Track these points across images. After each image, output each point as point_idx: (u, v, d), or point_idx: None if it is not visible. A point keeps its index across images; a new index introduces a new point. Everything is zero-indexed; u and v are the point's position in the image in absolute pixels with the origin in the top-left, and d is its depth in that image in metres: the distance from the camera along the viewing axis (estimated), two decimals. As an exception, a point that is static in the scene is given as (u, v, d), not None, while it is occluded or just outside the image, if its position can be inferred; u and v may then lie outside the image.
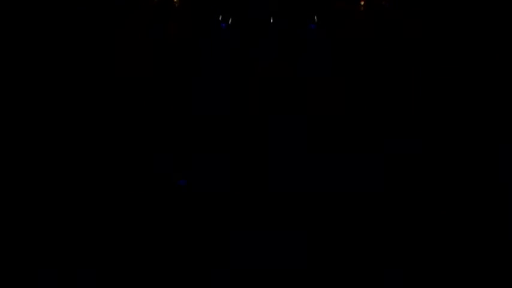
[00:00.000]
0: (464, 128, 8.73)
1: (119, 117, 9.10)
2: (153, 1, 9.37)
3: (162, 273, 6.16)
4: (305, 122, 9.56)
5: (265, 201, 7.62)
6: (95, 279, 5.93)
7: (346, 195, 7.71)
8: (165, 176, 8.28)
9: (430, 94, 9.24)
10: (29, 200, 7.00)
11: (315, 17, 9.49)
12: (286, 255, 6.51)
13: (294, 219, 7.12)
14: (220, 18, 9.45)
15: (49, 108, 8.87)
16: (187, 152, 8.27)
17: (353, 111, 9.75)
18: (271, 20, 9.43)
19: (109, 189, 7.50)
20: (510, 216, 6.82)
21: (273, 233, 6.85)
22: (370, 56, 9.52)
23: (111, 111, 9.18)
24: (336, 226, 6.80)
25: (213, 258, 6.45)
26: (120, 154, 9.17)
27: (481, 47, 9.14)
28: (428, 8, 9.12)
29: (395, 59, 9.64)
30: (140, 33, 9.30)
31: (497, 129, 8.39)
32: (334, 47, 9.55)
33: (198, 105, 9.26)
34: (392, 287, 6.30)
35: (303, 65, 9.95)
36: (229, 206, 7.37)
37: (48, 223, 6.70)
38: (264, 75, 9.67)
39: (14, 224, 6.57)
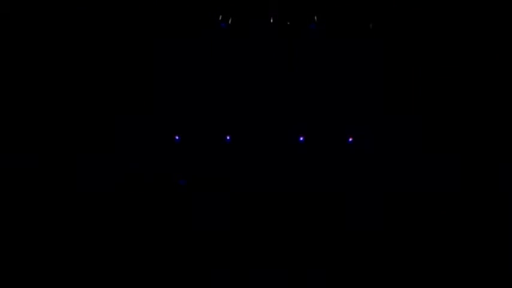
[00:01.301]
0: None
1: (120, 116, 9.15)
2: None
3: (161, 273, 6.16)
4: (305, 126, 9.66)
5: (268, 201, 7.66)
6: (95, 279, 5.93)
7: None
8: (165, 176, 8.31)
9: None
10: (28, 200, 7.00)
11: (315, 17, 9.46)
12: None
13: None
14: (220, 18, 9.44)
15: (49, 108, 8.88)
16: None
17: (352, 110, 9.79)
18: (271, 20, 9.42)
19: (108, 189, 7.51)
20: None
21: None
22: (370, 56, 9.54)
23: (110, 110, 9.21)
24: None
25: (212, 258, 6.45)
26: (119, 153, 9.21)
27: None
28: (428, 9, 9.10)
29: (395, 59, 9.66)
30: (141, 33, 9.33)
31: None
32: (334, 47, 9.54)
33: (198, 105, 9.32)
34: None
35: (303, 65, 9.96)
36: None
37: (47, 223, 6.70)
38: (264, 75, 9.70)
39: (13, 223, 6.57)
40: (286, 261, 6.57)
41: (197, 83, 9.35)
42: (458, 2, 8.83)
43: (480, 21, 8.78)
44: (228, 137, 9.55)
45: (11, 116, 8.34)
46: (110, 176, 7.84)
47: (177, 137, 9.44)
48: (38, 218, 6.64)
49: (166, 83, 9.27)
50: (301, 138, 9.64)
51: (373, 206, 7.92)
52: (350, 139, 9.37)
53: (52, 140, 8.27)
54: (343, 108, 9.46)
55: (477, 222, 6.94)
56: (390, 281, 6.45)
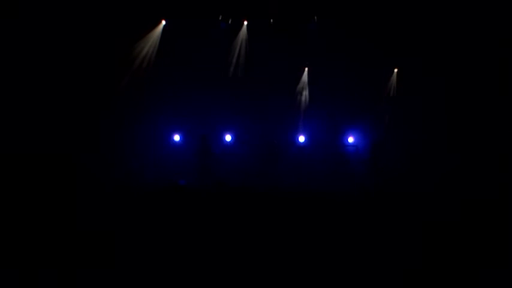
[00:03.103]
0: None
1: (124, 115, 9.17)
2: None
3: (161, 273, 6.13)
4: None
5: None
6: (93, 279, 5.90)
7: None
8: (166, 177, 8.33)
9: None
10: (30, 200, 6.98)
11: (315, 17, 9.42)
12: None
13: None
14: (220, 18, 9.42)
15: (51, 107, 8.87)
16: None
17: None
18: (271, 21, 9.39)
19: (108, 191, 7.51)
20: None
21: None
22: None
23: (111, 110, 9.21)
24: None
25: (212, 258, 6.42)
26: (119, 153, 9.21)
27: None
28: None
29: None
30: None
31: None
32: (333, 47, 9.52)
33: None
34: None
35: (303, 63, 9.97)
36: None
37: (48, 223, 6.68)
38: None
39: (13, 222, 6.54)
40: (282, 260, 6.53)
41: (197, 83, 9.37)
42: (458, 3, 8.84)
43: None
44: (227, 137, 9.58)
45: (12, 116, 8.35)
46: (110, 176, 7.86)
47: (178, 138, 9.46)
48: (38, 216, 6.64)
49: (167, 84, 9.30)
50: (302, 140, 9.67)
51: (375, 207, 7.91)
52: (350, 140, 9.43)
53: (52, 140, 8.27)
54: (344, 109, 9.50)
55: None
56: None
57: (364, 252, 6.58)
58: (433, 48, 9.07)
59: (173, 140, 9.35)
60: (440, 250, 6.52)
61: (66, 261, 5.90)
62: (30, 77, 8.58)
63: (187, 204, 7.42)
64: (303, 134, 9.64)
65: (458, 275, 6.07)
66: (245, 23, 9.55)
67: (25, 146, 7.93)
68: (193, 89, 9.29)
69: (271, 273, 6.15)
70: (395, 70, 9.55)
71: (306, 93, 9.77)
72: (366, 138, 9.59)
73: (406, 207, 7.73)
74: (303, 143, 9.61)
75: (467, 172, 8.41)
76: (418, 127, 9.20)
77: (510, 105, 8.69)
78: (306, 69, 9.69)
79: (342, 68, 9.40)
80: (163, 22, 9.33)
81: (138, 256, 6.16)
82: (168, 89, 9.27)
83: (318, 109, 9.68)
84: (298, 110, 9.79)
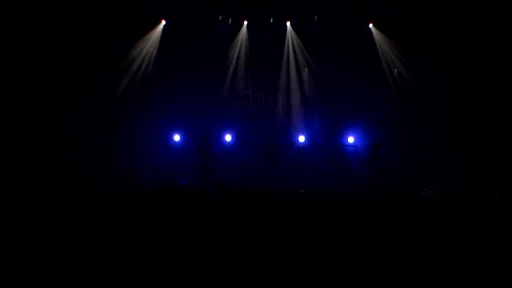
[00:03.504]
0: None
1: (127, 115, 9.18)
2: None
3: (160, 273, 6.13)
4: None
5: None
6: (93, 279, 5.91)
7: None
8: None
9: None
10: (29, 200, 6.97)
11: (315, 17, 9.44)
12: None
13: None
14: (220, 18, 9.44)
15: (51, 107, 8.88)
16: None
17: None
18: (271, 21, 9.41)
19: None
20: None
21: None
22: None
23: (112, 110, 9.21)
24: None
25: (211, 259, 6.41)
26: (120, 153, 9.21)
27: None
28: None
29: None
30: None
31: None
32: (333, 46, 9.53)
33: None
34: None
35: (303, 63, 9.98)
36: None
37: (48, 223, 6.67)
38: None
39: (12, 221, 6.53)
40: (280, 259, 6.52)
41: (197, 83, 9.37)
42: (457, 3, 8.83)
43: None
44: (227, 137, 9.59)
45: (11, 116, 8.34)
46: (110, 176, 7.84)
47: (178, 138, 9.47)
48: (37, 216, 6.63)
49: (167, 84, 9.30)
50: (302, 140, 9.68)
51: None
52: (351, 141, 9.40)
53: (52, 140, 8.27)
54: (344, 109, 9.50)
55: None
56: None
57: (364, 252, 6.57)
58: (433, 48, 9.07)
59: (173, 140, 9.36)
60: (440, 250, 6.51)
61: (66, 261, 5.90)
62: (30, 77, 8.59)
63: (187, 205, 7.41)
64: (303, 134, 9.65)
65: (458, 275, 6.06)
66: (245, 23, 9.59)
67: (25, 146, 7.94)
68: (194, 89, 9.31)
69: (271, 273, 6.15)
70: (396, 70, 9.59)
71: (306, 92, 9.78)
72: (365, 138, 9.58)
73: (406, 207, 7.71)
74: (303, 143, 9.62)
75: (467, 172, 8.40)
76: (418, 127, 9.20)
77: (510, 106, 8.69)
78: (306, 69, 9.72)
79: (342, 67, 9.41)
80: (163, 22, 9.40)
81: (138, 256, 6.15)
82: (168, 89, 9.28)
83: (318, 109, 9.69)
84: (298, 110, 9.81)
